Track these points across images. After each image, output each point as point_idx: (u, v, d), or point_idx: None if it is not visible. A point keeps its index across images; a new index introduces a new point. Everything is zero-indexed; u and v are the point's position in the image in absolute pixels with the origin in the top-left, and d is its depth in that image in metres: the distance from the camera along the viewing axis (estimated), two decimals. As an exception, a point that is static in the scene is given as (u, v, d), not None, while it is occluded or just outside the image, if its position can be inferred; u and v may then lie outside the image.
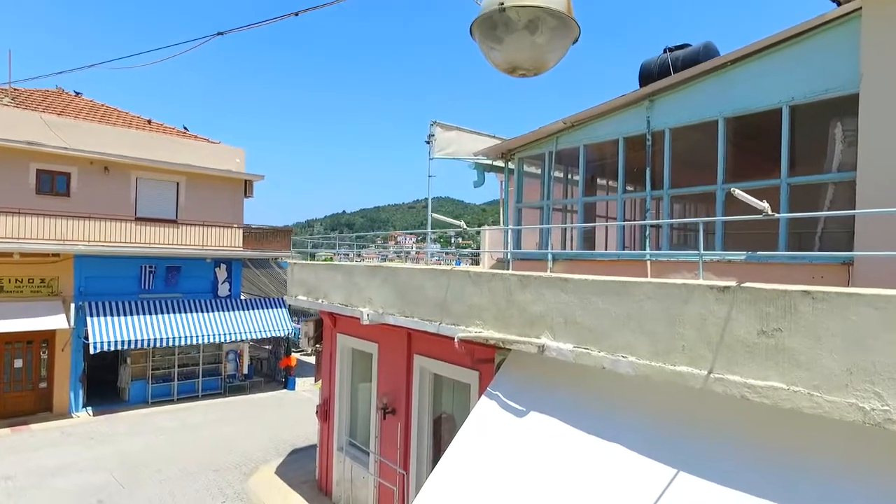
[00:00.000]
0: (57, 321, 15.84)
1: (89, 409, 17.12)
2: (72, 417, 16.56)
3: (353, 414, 10.98)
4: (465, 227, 6.73)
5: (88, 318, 16.47)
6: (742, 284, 3.96)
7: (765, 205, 4.31)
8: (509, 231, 7.94)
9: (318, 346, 11.60)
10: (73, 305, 16.51)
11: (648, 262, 5.80)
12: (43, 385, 16.58)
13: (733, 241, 7.89)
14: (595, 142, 6.51)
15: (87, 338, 16.37)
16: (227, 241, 19.69)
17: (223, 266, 20.08)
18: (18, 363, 16.23)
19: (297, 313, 23.42)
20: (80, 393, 17.09)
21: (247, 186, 20.71)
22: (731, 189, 4.07)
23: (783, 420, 3.98)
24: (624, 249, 8.91)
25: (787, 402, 3.64)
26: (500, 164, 8.42)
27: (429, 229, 8.60)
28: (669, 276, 5.71)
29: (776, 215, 3.98)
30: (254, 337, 19.79)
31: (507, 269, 7.77)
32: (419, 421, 8.74)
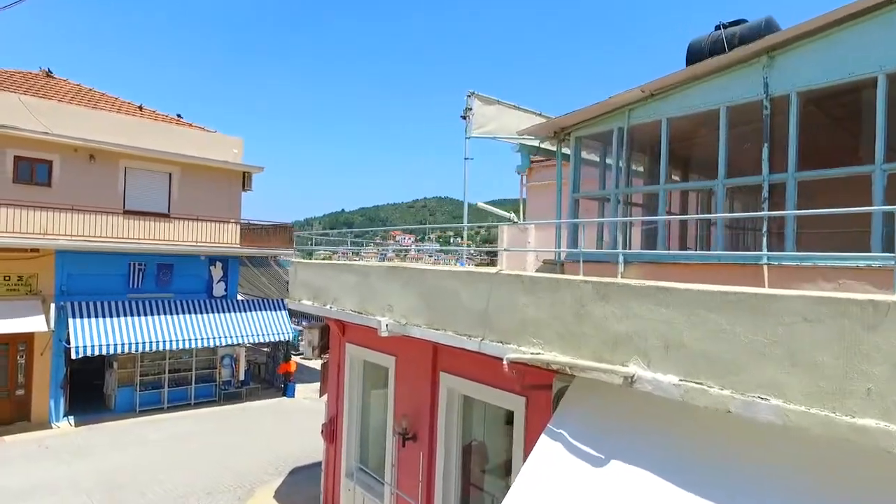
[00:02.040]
0: (35, 323, 14.45)
1: (71, 418, 15.74)
2: (52, 427, 15.17)
3: (363, 436, 9.61)
4: (516, 219, 5.39)
5: (70, 320, 15.08)
6: None
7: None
8: (561, 226, 6.60)
9: (323, 355, 10.20)
10: (53, 305, 15.12)
11: (765, 268, 4.47)
12: (20, 392, 15.18)
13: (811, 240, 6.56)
14: (684, 114, 5.16)
15: (68, 341, 14.98)
16: (224, 238, 18.31)
17: (219, 264, 18.69)
18: (-8, 368, 14.84)
19: (297, 315, 22.03)
20: (62, 401, 15.69)
21: (245, 179, 19.31)
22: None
23: None
24: (689, 249, 7.54)
25: None
26: (546, 145, 7.10)
27: (465, 223, 7.25)
28: (798, 286, 4.36)
29: None
30: (251, 341, 18.41)
31: (560, 273, 6.41)
32: (446, 451, 7.39)
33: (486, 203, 12.31)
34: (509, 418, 7.36)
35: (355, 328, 9.18)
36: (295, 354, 21.34)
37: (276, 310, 19.48)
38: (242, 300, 19.07)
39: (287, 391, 19.56)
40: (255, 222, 19.53)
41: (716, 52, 8.66)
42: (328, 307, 8.63)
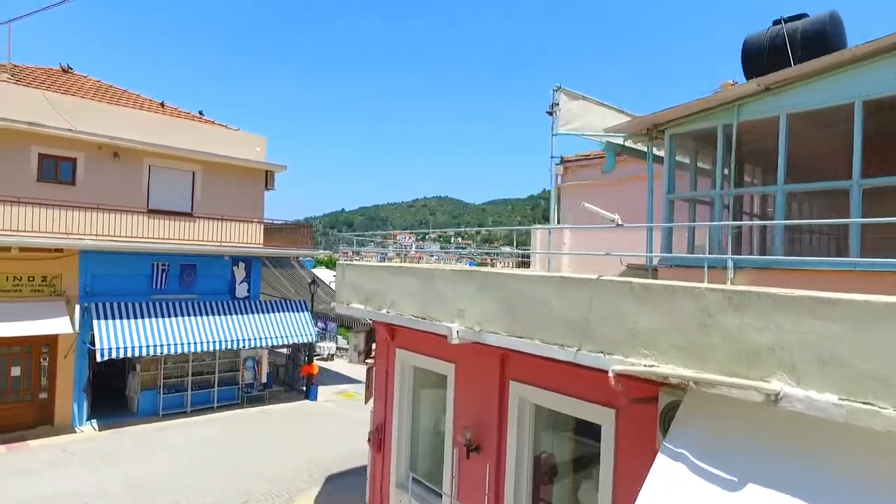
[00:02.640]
0: (60, 325, 14.10)
1: (94, 422, 15.38)
2: (75, 432, 14.82)
3: (415, 445, 9.26)
4: (619, 221, 5.04)
5: (95, 322, 14.72)
6: None
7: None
8: (653, 229, 6.24)
9: (368, 360, 9.83)
10: (77, 307, 14.77)
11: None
12: (43, 396, 14.83)
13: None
14: (809, 109, 4.80)
15: (93, 343, 14.63)
16: (247, 238, 17.96)
17: (242, 265, 18.34)
18: (16, 371, 14.47)
19: (319, 317, 21.70)
20: (85, 404, 15.34)
21: (268, 178, 18.97)
22: None
23: None
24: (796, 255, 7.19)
25: None
26: (630, 144, 6.74)
27: (552, 224, 6.90)
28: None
29: None
30: (275, 343, 18.07)
31: (652, 278, 6.05)
32: (517, 463, 7.03)
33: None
34: (580, 429, 7.03)
35: (406, 333, 8.85)
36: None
37: (298, 311, 19.13)
38: (265, 301, 18.72)
39: (310, 394, 19.21)
40: (279, 222, 19.19)
41: (776, 49, 8.30)
42: (384, 311, 8.27)
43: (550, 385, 6.58)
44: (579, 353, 5.27)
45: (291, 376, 21.06)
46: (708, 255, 5.21)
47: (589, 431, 6.61)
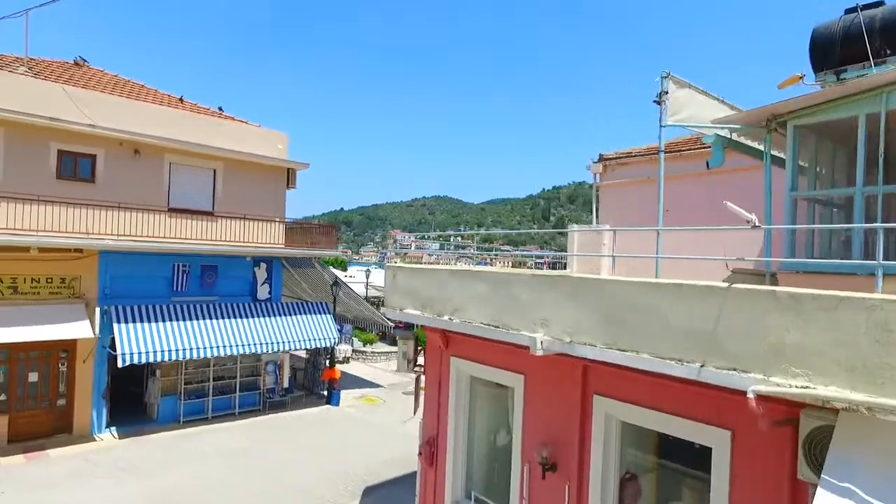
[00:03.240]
0: (80, 329, 13.51)
1: (114, 429, 14.80)
2: (94, 440, 14.23)
3: (472, 459, 8.69)
4: (757, 222, 4.47)
5: (115, 325, 14.14)
6: None
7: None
8: (771, 231, 5.68)
9: (417, 368, 9.25)
10: (97, 310, 14.18)
11: None
12: (61, 402, 14.25)
13: None
14: None
15: (112, 348, 14.05)
16: (268, 238, 17.39)
17: (263, 265, 17.76)
18: (34, 377, 13.89)
19: (339, 319, 21.11)
20: (104, 411, 14.75)
21: (289, 176, 18.39)
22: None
23: None
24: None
25: None
26: (737, 138, 6.17)
27: (659, 225, 6.35)
28: None
29: None
30: (298, 347, 17.49)
31: (771, 284, 5.47)
32: (602, 485, 6.46)
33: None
34: (669, 449, 6.47)
35: (462, 340, 8.28)
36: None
37: (319, 313, 18.55)
38: (286, 303, 18.13)
39: (332, 399, 18.63)
40: (303, 221, 18.60)
41: (852, 38, 7.70)
42: (446, 318, 7.70)
43: (643, 401, 6.00)
44: (704, 370, 4.70)
45: (311, 380, 20.49)
46: (858, 261, 4.63)
47: (685, 452, 6.04)
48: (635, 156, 14.45)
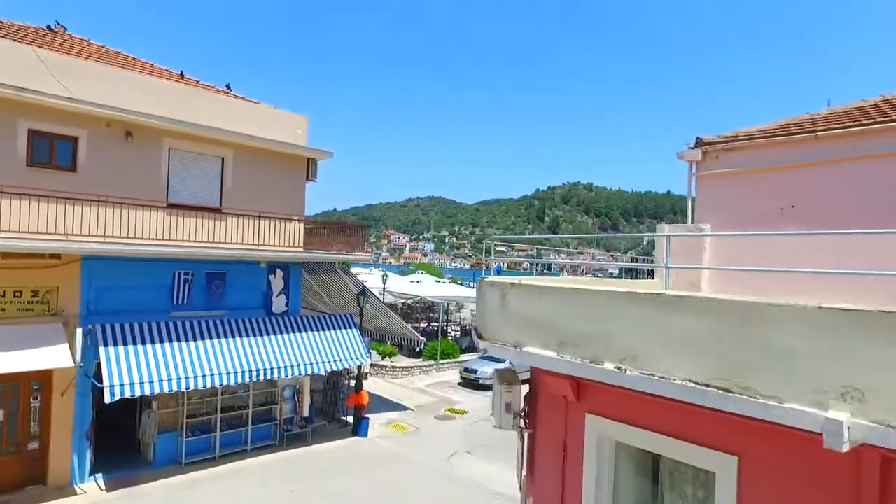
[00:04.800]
0: (57, 356, 10.66)
1: (100, 477, 11.95)
2: (75, 492, 11.38)
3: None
4: None
5: (101, 349, 11.31)
6: None
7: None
8: None
9: (524, 424, 6.48)
10: (79, 331, 11.34)
11: None
12: (33, 446, 11.37)
13: None
14: None
15: (98, 378, 11.22)
16: (286, 239, 14.61)
17: (279, 272, 14.97)
18: (-2, 416, 11.03)
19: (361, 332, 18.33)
20: (87, 455, 11.91)
21: (309, 166, 15.61)
22: None
23: None
24: None
25: None
26: None
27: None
28: None
29: None
30: (322, 370, 14.71)
31: None
32: None
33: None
34: None
35: (608, 393, 5.62)
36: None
37: (344, 327, 15.78)
38: (306, 317, 15.35)
39: (360, 429, 15.86)
40: (324, 220, 15.83)
41: None
42: (611, 368, 5.00)
43: None
44: None
45: (330, 404, 17.72)
46: None
47: None
48: (751, 139, 11.72)
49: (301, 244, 15.06)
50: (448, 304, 30.19)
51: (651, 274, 13.85)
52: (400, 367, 23.89)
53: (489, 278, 6.73)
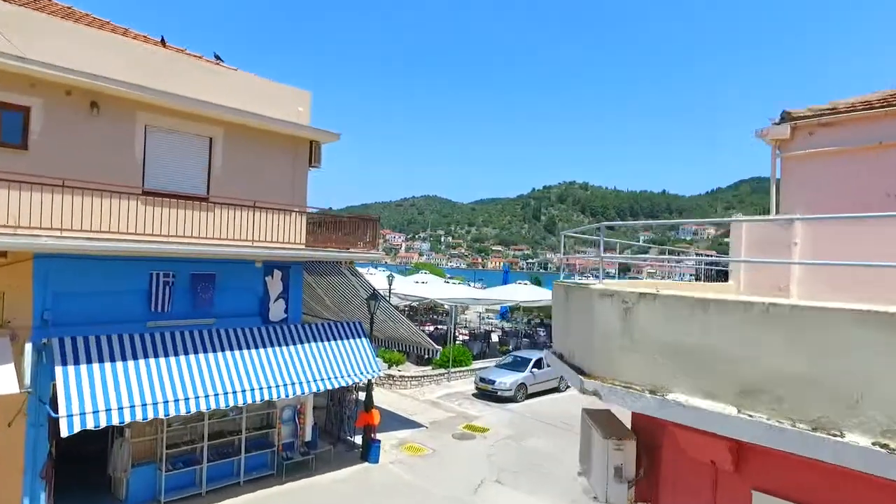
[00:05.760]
0: (0, 379, 8.48)
1: (58, 525, 9.78)
2: (26, 546, 9.21)
3: None
4: None
5: (59, 369, 9.13)
6: None
7: None
8: None
9: (633, 483, 4.23)
10: (29, 346, 9.10)
11: None
12: (-28, 489, 9.20)
13: None
14: None
15: (55, 406, 9.03)
16: (285, 235, 12.45)
17: (277, 274, 12.81)
18: (-75, 454, 8.82)
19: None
20: (42, 498, 9.71)
21: (312, 150, 13.45)
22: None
23: None
24: None
25: None
26: None
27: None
28: None
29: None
30: (326, 388, 12.56)
31: None
32: None
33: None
34: None
35: (790, 460, 3.57)
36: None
37: (354, 337, 13.65)
38: (308, 325, 13.20)
39: (370, 453, 13.72)
40: (329, 213, 13.70)
41: None
42: (853, 442, 2.90)
43: None
44: None
45: (333, 421, 15.58)
46: None
47: None
48: (853, 110, 9.59)
49: (303, 241, 12.90)
50: (456, 306, 28.04)
51: (722, 275, 11.76)
52: (409, 377, 21.76)
53: (599, 284, 4.62)
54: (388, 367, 22.27)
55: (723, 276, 13.45)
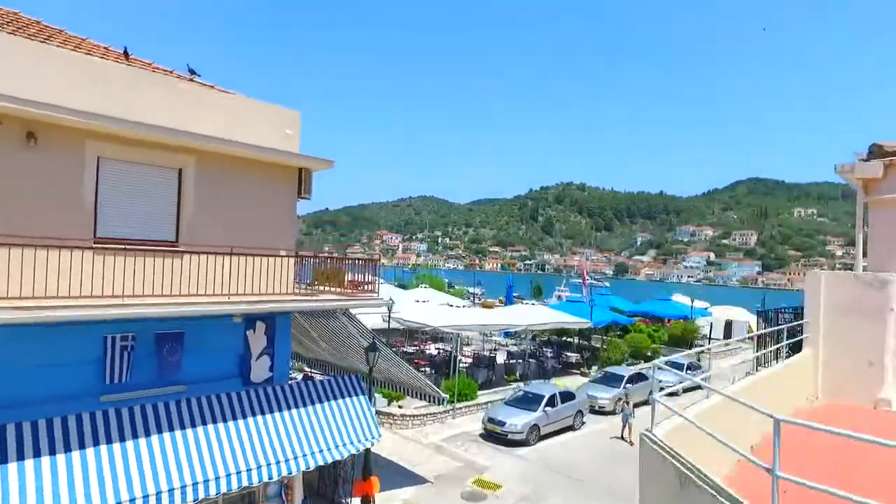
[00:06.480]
0: None
1: None
2: None
3: None
4: None
5: (-21, 472, 7.24)
6: None
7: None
8: None
9: None
10: (-60, 447, 7.22)
11: None
12: None
13: None
14: None
15: (-27, 519, 7.15)
16: (270, 282, 10.56)
17: (260, 326, 10.91)
18: None
19: (343, 372, 14.36)
20: None
21: (302, 179, 11.57)
22: None
23: None
24: None
25: None
26: None
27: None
28: None
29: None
30: (320, 461, 10.70)
31: None
32: None
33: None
34: None
35: None
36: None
37: (350, 395, 11.81)
38: (297, 384, 11.33)
39: (369, 532, 11.89)
40: (321, 253, 11.82)
41: None
42: None
43: None
44: None
45: (331, 483, 13.72)
46: None
47: None
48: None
49: (290, 287, 11.04)
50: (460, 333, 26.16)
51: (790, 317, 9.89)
52: (410, 416, 19.90)
53: None
54: (388, 404, 20.42)
55: (792, 317, 11.39)
